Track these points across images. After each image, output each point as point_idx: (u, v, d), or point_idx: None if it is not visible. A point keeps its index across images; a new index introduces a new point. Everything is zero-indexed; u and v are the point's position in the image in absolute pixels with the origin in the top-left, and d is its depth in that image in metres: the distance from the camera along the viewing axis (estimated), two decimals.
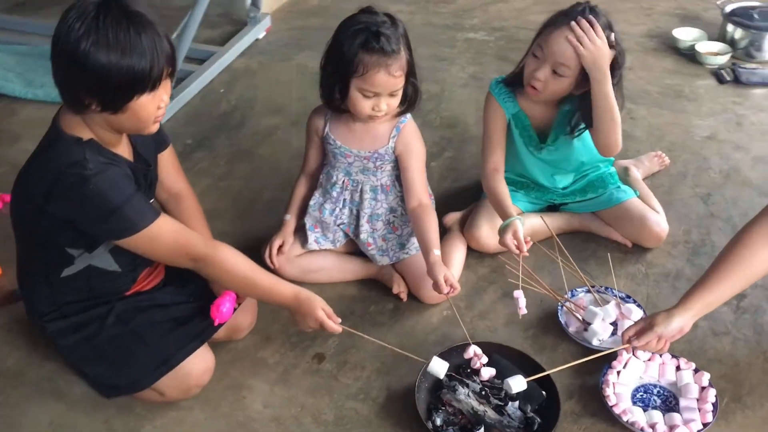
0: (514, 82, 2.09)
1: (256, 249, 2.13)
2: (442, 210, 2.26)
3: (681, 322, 1.64)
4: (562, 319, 1.95)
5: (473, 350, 1.77)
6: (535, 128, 2.13)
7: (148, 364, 1.69)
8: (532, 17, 3.59)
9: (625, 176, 2.36)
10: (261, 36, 3.46)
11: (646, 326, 1.68)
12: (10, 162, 2.46)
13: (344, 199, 2.05)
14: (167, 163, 1.82)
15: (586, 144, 2.17)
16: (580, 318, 1.94)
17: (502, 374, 1.77)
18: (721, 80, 3.02)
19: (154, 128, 1.58)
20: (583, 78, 1.95)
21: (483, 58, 3.27)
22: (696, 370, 1.79)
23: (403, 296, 2.04)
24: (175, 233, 1.60)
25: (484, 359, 1.77)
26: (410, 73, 1.89)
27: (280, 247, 2.06)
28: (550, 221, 2.21)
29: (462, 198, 2.38)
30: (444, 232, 2.20)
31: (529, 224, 2.17)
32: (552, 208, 2.30)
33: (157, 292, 1.79)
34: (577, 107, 2.04)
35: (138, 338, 1.70)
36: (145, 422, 1.76)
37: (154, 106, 1.52)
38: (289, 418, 1.76)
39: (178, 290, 1.81)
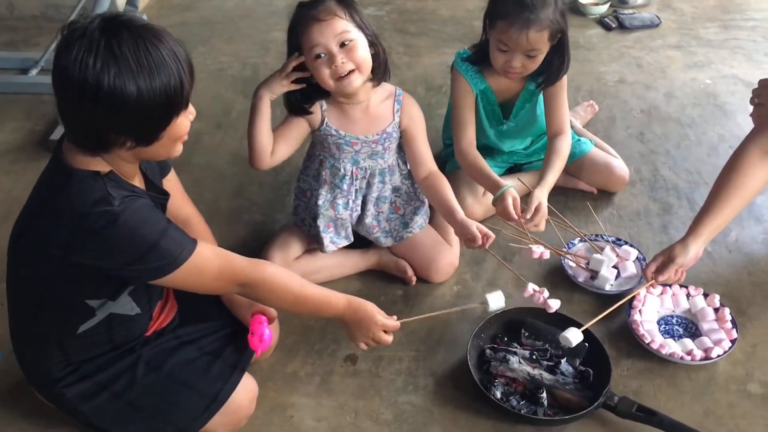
0: (480, 60, 2.07)
1: None
2: None
3: (696, 249, 1.76)
4: (570, 272, 2.01)
5: (531, 287, 1.78)
6: (499, 103, 2.15)
7: (196, 406, 1.53)
8: None
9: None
10: None
11: (666, 260, 1.78)
12: None
13: (356, 190, 1.95)
14: (172, 187, 1.64)
15: (542, 110, 2.23)
16: (586, 267, 2.01)
17: (542, 335, 1.80)
18: (607, 28, 3.23)
19: (179, 150, 1.42)
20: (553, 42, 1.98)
21: (383, 33, 3.20)
22: (705, 295, 1.92)
23: (413, 279, 2.01)
24: (219, 258, 1.45)
25: (546, 293, 1.78)
26: (372, 44, 1.82)
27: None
28: (524, 180, 2.26)
29: None
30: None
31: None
32: (515, 169, 2.36)
33: (178, 330, 1.62)
34: (543, 71, 2.06)
35: (177, 381, 1.54)
36: None
37: (187, 122, 1.36)
38: (347, 427, 1.68)
39: (199, 323, 1.65)
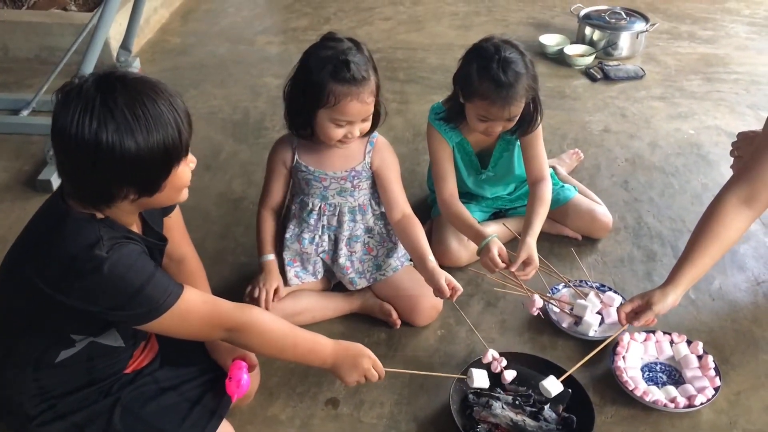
0: (454, 118, 2.09)
1: None
2: None
3: (674, 298, 1.77)
4: (554, 317, 2.01)
5: (491, 354, 1.77)
6: (476, 153, 2.18)
7: None
8: (401, 36, 3.70)
9: (553, 176, 2.48)
10: None
11: (643, 305, 1.78)
12: None
13: (323, 225, 1.98)
14: (173, 227, 1.64)
15: (521, 157, 2.27)
16: (570, 313, 2.01)
17: (526, 381, 1.79)
18: (593, 78, 3.28)
19: (185, 196, 1.42)
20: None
21: None
22: (689, 342, 1.92)
23: (398, 323, 2.00)
24: (205, 304, 1.44)
25: (504, 362, 1.77)
26: (378, 93, 1.86)
27: (276, 290, 1.93)
28: (510, 226, 2.28)
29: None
30: None
31: (491, 230, 2.21)
32: (500, 215, 2.37)
33: (158, 373, 1.60)
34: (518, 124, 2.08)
35: (153, 429, 1.51)
36: None
37: (189, 172, 1.37)
38: None
39: (180, 366, 1.63)
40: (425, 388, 1.84)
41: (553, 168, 2.52)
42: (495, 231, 2.19)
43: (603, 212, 2.30)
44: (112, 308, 1.33)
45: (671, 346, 1.93)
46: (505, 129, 2.01)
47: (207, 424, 1.54)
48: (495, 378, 1.78)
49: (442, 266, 2.15)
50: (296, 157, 1.93)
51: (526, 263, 1.93)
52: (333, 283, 2.08)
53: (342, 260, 2.00)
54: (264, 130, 2.93)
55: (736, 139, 2.13)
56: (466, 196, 2.30)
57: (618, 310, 1.83)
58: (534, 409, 1.74)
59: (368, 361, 1.57)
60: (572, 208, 2.30)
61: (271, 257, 1.97)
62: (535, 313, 1.95)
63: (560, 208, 2.31)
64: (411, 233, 1.92)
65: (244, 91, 3.20)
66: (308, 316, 2.00)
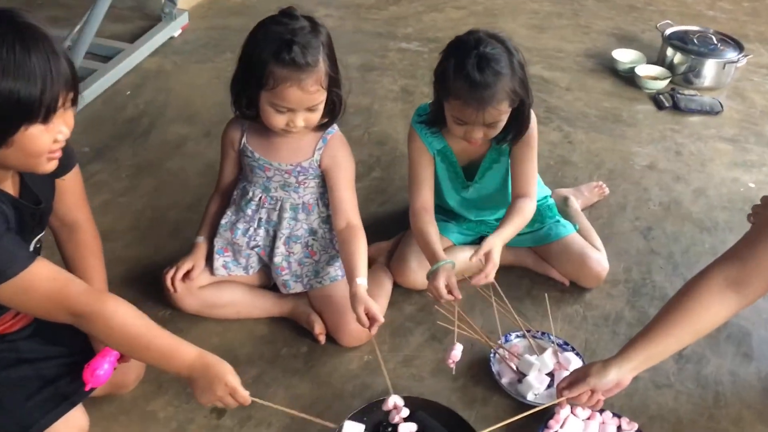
0: (436, 122, 1.86)
1: (155, 276, 1.89)
2: (368, 239, 2.04)
3: (618, 375, 1.48)
4: (495, 368, 1.76)
5: (393, 401, 1.56)
6: (462, 165, 1.94)
7: (6, 430, 1.40)
8: (467, 29, 3.42)
9: (564, 206, 2.20)
10: (176, 34, 3.18)
11: (580, 376, 1.52)
12: None
13: (260, 218, 1.82)
14: (67, 189, 1.54)
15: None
16: (515, 368, 1.76)
17: None
18: (659, 106, 2.92)
19: (50, 167, 1.30)
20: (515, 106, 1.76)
21: (416, 70, 3.07)
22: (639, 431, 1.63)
23: (321, 339, 1.82)
24: (53, 281, 1.32)
25: (405, 412, 1.56)
26: (332, 84, 1.67)
27: (189, 272, 1.81)
28: None
29: (389, 225, 2.17)
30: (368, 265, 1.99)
31: (461, 258, 1.97)
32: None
33: (23, 342, 1.50)
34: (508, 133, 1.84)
35: None
36: None
37: (49, 140, 1.25)
38: None
39: (49, 341, 1.53)
40: (323, 415, 1.65)
41: (566, 198, 2.24)
42: (461, 258, 1.95)
43: (597, 259, 2.00)
44: None
45: (618, 431, 1.64)
46: (487, 136, 1.77)
47: (53, 408, 1.44)
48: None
49: (397, 285, 1.98)
50: (244, 139, 1.78)
51: (486, 261, 1.71)
52: (273, 281, 1.92)
53: (278, 259, 1.83)
54: None
55: (759, 202, 1.79)
56: (447, 213, 2.06)
57: (557, 383, 1.57)
58: None
59: (223, 389, 1.40)
60: (563, 247, 2.02)
61: (200, 239, 1.84)
62: (451, 366, 1.70)
63: (550, 246, 2.03)
64: (350, 246, 1.73)
65: None
66: (232, 310, 1.86)
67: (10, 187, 1.37)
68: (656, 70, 3.07)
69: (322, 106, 1.67)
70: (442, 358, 1.82)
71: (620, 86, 3.06)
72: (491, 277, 1.71)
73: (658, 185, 2.48)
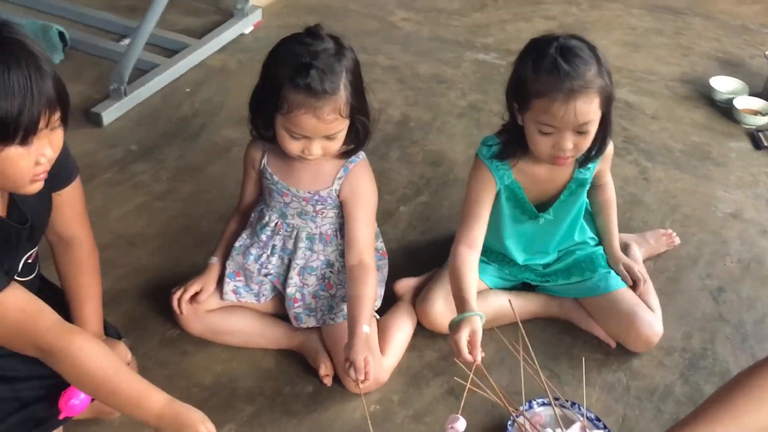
0: (509, 155, 1.69)
1: (170, 290, 1.80)
2: (399, 271, 1.91)
3: None
4: None
5: None
6: (531, 198, 1.75)
7: None
8: None
9: (624, 254, 1.96)
10: (247, 31, 3.11)
11: None
12: None
13: (274, 245, 1.71)
14: (64, 203, 1.47)
15: (580, 214, 1.82)
16: None
17: None
18: (757, 145, 2.60)
19: (33, 188, 1.23)
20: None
21: (489, 84, 2.87)
22: None
23: (327, 381, 1.69)
24: (21, 312, 1.25)
25: None
26: (356, 112, 1.53)
27: (197, 294, 1.72)
28: (522, 302, 1.85)
29: (425, 258, 2.01)
30: (393, 301, 1.85)
31: (495, 304, 1.81)
32: (527, 287, 1.93)
33: (4, 360, 1.43)
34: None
35: None
36: None
37: (29, 163, 1.18)
38: None
39: (32, 360, 1.44)
40: None
41: (628, 245, 2.01)
42: (495, 304, 1.78)
43: (649, 321, 1.77)
44: None
45: None
46: (578, 149, 1.58)
47: None
48: None
49: (421, 327, 1.83)
50: (264, 160, 1.68)
51: (633, 276, 1.84)
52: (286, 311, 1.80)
53: (291, 290, 1.72)
54: None
55: None
56: (491, 255, 1.88)
57: None
58: None
59: (204, 430, 1.29)
60: (611, 303, 1.80)
61: (213, 260, 1.75)
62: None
63: (597, 300, 1.82)
64: (357, 286, 1.61)
65: None
66: (240, 338, 1.76)
67: None
68: (759, 103, 2.74)
69: (342, 135, 1.54)
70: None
71: (715, 118, 2.75)
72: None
73: (741, 238, 2.20)
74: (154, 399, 1.30)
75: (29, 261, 1.43)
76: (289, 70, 1.45)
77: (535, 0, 3.59)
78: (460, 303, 1.62)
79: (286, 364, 1.76)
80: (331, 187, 1.63)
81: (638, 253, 2.02)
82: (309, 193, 1.64)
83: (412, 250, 2.08)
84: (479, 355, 1.52)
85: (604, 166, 1.82)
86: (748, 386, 1.26)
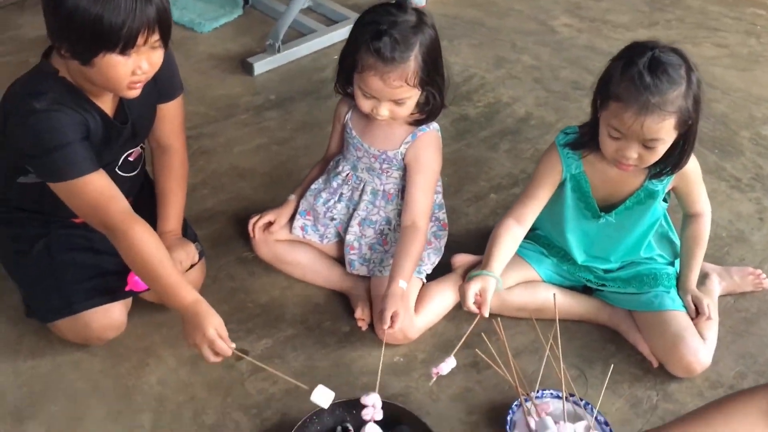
0: (583, 144, 1.72)
1: None
2: (465, 250, 1.98)
3: None
4: (510, 417, 1.61)
5: (373, 399, 1.51)
6: (597, 196, 1.77)
7: (53, 302, 1.64)
8: (714, 70, 3.05)
9: (700, 285, 1.89)
10: None
11: None
12: None
13: (342, 193, 1.87)
14: (166, 116, 1.72)
15: (649, 231, 1.79)
16: (533, 426, 1.59)
17: None
18: None
19: (131, 94, 1.48)
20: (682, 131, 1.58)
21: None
22: None
23: (361, 324, 1.82)
24: (100, 195, 1.50)
25: (379, 415, 1.50)
26: (426, 84, 1.64)
27: (271, 223, 1.92)
28: (572, 302, 1.87)
29: None
30: (448, 272, 1.93)
31: (542, 296, 1.84)
32: (585, 290, 1.93)
33: (98, 234, 1.71)
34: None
35: (54, 275, 1.65)
36: (51, 351, 1.73)
37: (127, 71, 1.42)
38: (171, 405, 1.64)
39: None
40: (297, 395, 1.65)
41: (708, 275, 1.94)
42: (542, 296, 1.82)
43: (694, 348, 1.71)
44: (27, 156, 1.50)
45: None
46: (641, 161, 1.60)
47: (95, 296, 1.64)
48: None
49: None
50: (348, 115, 1.84)
51: (699, 309, 1.78)
52: None
53: (350, 237, 1.87)
54: (470, 104, 2.75)
55: None
56: (552, 249, 1.91)
57: None
58: None
59: (201, 338, 1.47)
60: (661, 321, 1.76)
61: (291, 197, 1.94)
62: (433, 376, 1.58)
63: (649, 315, 1.79)
64: (404, 245, 1.73)
65: (488, 59, 3.02)
66: (298, 271, 1.94)
67: (108, 103, 1.56)
68: None
69: (411, 102, 1.66)
70: (471, 387, 1.72)
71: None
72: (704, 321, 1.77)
73: None
74: (184, 294, 1.50)
75: (130, 159, 1.69)
76: (368, 35, 1.59)
77: (713, 26, 3.43)
78: (485, 262, 1.68)
79: (333, 304, 1.91)
80: (397, 149, 1.75)
81: (717, 286, 1.93)
82: (378, 151, 1.77)
83: (485, 234, 2.11)
84: (486, 311, 1.58)
85: (688, 189, 1.76)
86: (728, 407, 1.23)
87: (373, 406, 1.51)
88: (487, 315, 1.58)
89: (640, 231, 1.79)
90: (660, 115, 1.50)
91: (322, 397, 1.47)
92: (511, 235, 1.73)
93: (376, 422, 1.53)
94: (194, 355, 1.73)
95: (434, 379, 1.58)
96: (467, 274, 1.67)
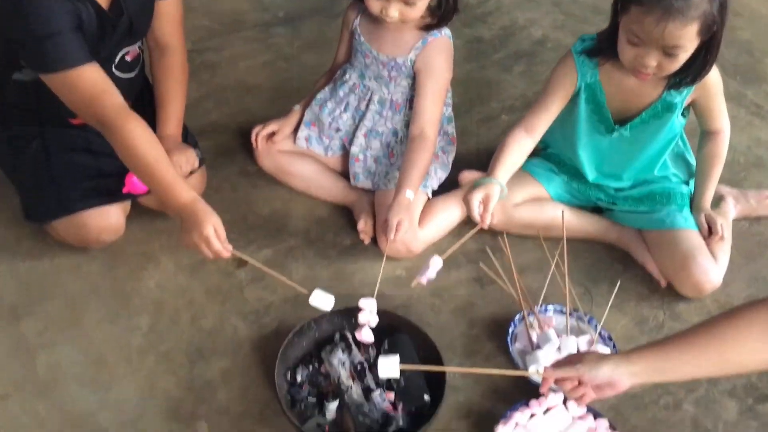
0: (601, 51, 1.64)
1: None
2: (470, 166, 1.93)
3: (611, 373, 1.22)
4: (512, 330, 1.59)
5: (369, 304, 1.47)
6: (612, 108, 1.70)
7: (50, 202, 1.61)
8: None
9: (715, 207, 1.84)
10: None
11: (571, 360, 1.29)
12: None
13: (348, 103, 1.82)
14: (164, 14, 1.67)
15: (665, 149, 1.73)
16: (534, 338, 1.56)
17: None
18: None
19: None
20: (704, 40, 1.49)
21: None
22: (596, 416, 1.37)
23: (363, 237, 1.78)
24: (93, 87, 1.45)
25: (374, 320, 1.47)
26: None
27: (275, 133, 1.87)
28: (581, 220, 1.82)
29: None
30: (455, 189, 1.88)
31: (550, 214, 1.80)
32: (595, 210, 1.88)
33: (97, 136, 1.66)
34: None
35: (51, 175, 1.62)
36: (50, 253, 1.71)
37: None
38: (169, 309, 1.62)
39: None
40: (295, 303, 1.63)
41: (723, 197, 1.88)
42: (549, 214, 1.77)
43: (705, 267, 1.66)
44: (17, 43, 1.44)
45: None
46: (660, 70, 1.52)
47: (93, 197, 1.61)
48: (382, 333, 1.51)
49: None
50: (357, 21, 1.77)
51: (712, 229, 1.71)
52: None
53: (355, 149, 1.82)
54: (485, 26, 2.65)
55: None
56: (562, 166, 1.85)
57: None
58: (371, 387, 1.44)
59: (198, 237, 1.43)
60: (672, 240, 1.71)
61: (296, 107, 1.90)
62: (420, 283, 1.53)
63: (659, 233, 1.74)
64: (412, 155, 1.67)
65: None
66: (301, 183, 1.89)
67: None
68: None
69: (421, 4, 1.61)
70: (473, 301, 1.69)
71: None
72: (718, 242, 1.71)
73: None
74: (181, 192, 1.46)
75: (128, 59, 1.64)
76: None
77: None
78: (491, 170, 1.62)
79: (336, 217, 1.87)
80: (407, 56, 1.69)
81: (732, 208, 1.88)
82: (387, 57, 1.71)
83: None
84: (487, 219, 1.53)
85: (708, 102, 1.70)
86: (736, 319, 1.18)
87: (370, 311, 1.48)
88: (487, 223, 1.53)
89: (655, 148, 1.73)
90: (684, 19, 1.42)
91: (322, 300, 1.44)
92: (520, 145, 1.67)
93: (375, 331, 1.50)
94: (194, 262, 1.72)
95: (423, 282, 1.53)
96: (474, 181, 1.62)
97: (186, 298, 1.65)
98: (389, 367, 1.29)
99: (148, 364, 1.51)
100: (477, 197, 1.54)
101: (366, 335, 1.46)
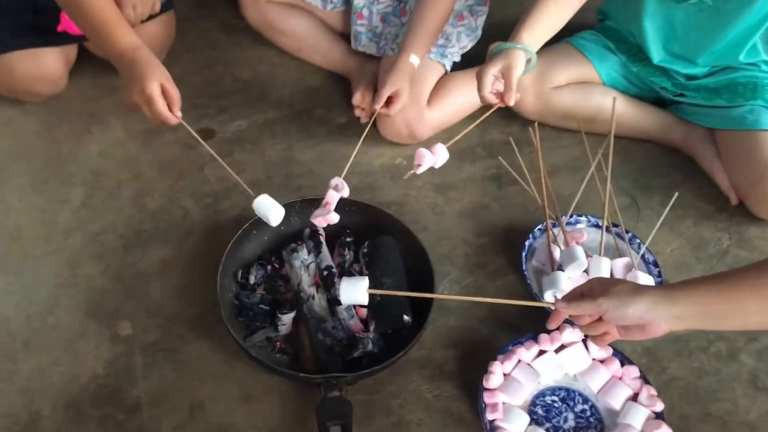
0: None
1: None
2: (504, 38, 1.54)
3: (645, 314, 0.87)
4: (529, 242, 1.25)
5: (336, 182, 1.12)
6: None
7: None
8: None
9: None
10: None
11: (593, 291, 0.94)
12: None
13: None
14: None
15: (757, 28, 1.31)
16: (556, 256, 1.22)
17: (379, 268, 1.16)
18: None
19: None
20: None
21: None
22: (658, 415, 1.05)
23: (360, 115, 1.42)
24: None
25: (346, 191, 1.11)
26: None
27: None
28: (637, 113, 1.46)
29: None
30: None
31: (597, 101, 1.43)
32: (657, 102, 1.49)
33: None
34: None
35: None
36: None
37: None
38: (110, 181, 1.34)
39: None
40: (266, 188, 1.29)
41: None
42: (595, 104, 1.40)
43: None
44: None
45: (632, 399, 1.07)
46: None
47: (23, 37, 1.34)
48: (360, 233, 1.20)
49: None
50: None
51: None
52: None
53: (359, 2, 1.45)
54: None
55: None
56: (622, 44, 1.46)
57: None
58: (338, 300, 1.13)
59: (140, 94, 1.11)
60: (751, 144, 1.32)
61: None
62: (415, 170, 1.15)
63: (737, 135, 1.36)
64: (423, 8, 1.30)
65: None
66: (293, 43, 1.55)
67: None
68: None
69: None
70: (485, 203, 1.35)
71: None
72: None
73: None
74: (122, 37, 1.14)
75: None
76: None
77: None
78: (515, 32, 1.20)
79: (331, 89, 1.53)
80: None
81: None
82: None
83: None
84: (510, 98, 1.15)
85: None
86: None
87: (337, 187, 1.11)
88: (511, 103, 1.15)
89: (744, 24, 1.31)
90: None
91: (268, 209, 1.09)
92: (560, 4, 1.25)
93: (356, 231, 1.19)
94: (148, 128, 1.41)
95: (415, 172, 1.16)
96: (489, 51, 1.22)
97: (132, 170, 1.35)
98: (354, 290, 0.94)
99: (73, 244, 1.23)
100: (492, 71, 1.15)
101: (333, 217, 1.10)
